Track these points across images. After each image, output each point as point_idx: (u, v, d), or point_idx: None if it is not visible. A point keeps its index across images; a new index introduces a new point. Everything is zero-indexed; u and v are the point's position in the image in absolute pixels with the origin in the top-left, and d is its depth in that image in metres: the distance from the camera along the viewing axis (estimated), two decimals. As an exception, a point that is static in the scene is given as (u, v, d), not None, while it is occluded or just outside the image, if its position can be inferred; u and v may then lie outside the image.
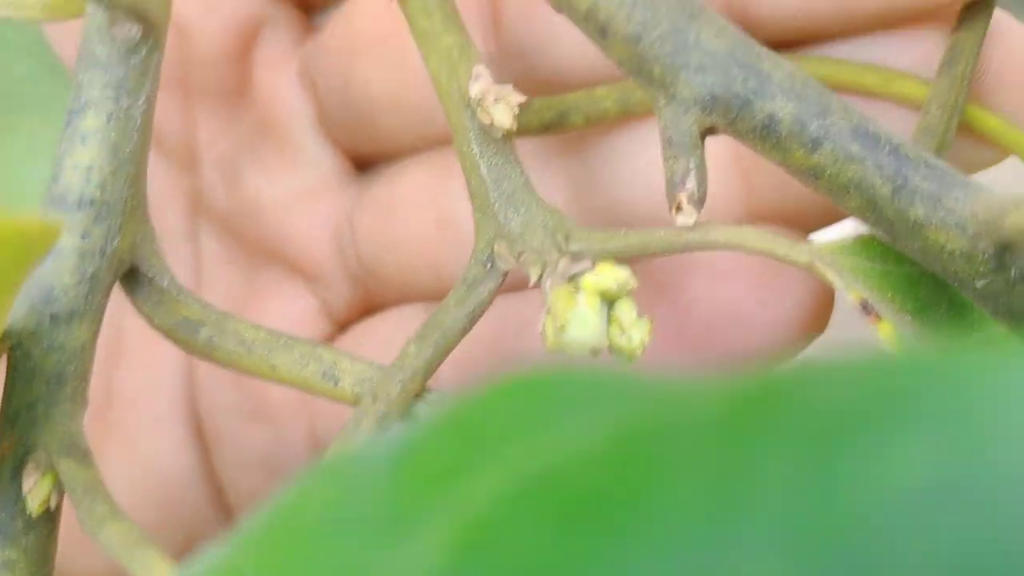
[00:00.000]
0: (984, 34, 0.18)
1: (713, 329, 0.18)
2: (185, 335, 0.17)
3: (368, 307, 0.23)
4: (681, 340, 0.18)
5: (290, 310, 0.23)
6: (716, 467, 0.07)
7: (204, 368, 0.23)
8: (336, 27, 0.22)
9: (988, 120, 0.19)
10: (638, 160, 0.20)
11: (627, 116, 0.20)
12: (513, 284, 0.18)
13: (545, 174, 0.20)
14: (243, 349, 0.17)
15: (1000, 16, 0.19)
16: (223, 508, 0.24)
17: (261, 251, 0.23)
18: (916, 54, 0.19)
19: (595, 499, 0.07)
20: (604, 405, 0.07)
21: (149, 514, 0.23)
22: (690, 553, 0.06)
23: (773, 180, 0.19)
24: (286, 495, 0.09)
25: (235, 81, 0.23)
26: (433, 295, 0.22)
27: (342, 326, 0.23)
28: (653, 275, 0.19)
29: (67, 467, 0.15)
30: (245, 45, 0.23)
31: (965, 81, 0.18)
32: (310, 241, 0.23)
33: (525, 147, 0.19)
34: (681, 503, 0.06)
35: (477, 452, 0.08)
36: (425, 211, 0.21)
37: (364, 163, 0.23)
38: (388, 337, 0.22)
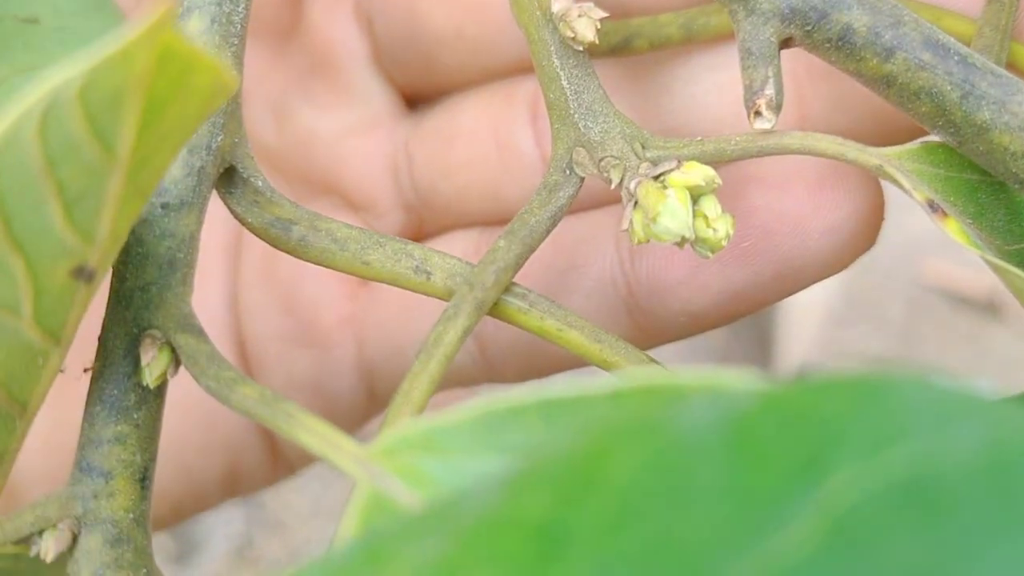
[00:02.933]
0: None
1: (772, 234, 0.19)
2: (278, 233, 0.18)
3: (419, 236, 0.24)
4: (743, 246, 0.19)
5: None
6: None
7: (249, 296, 0.24)
8: None
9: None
10: (699, 87, 0.21)
11: (689, 42, 0.20)
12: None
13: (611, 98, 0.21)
14: (336, 247, 0.17)
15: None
16: (264, 433, 0.24)
17: (310, 186, 0.24)
18: None
19: (969, 510, 0.07)
20: (965, 424, 0.08)
21: (194, 436, 0.23)
22: None
23: (827, 105, 0.20)
24: (573, 441, 0.08)
25: (287, 20, 0.24)
26: (490, 219, 0.22)
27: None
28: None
29: (185, 341, 0.15)
30: None
31: (1014, 6, 0.19)
32: (362, 173, 0.23)
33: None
34: None
35: (831, 448, 0.08)
36: (484, 138, 0.22)
37: (418, 98, 0.24)
38: None
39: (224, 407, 0.24)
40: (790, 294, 0.20)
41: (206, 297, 0.24)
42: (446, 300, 0.17)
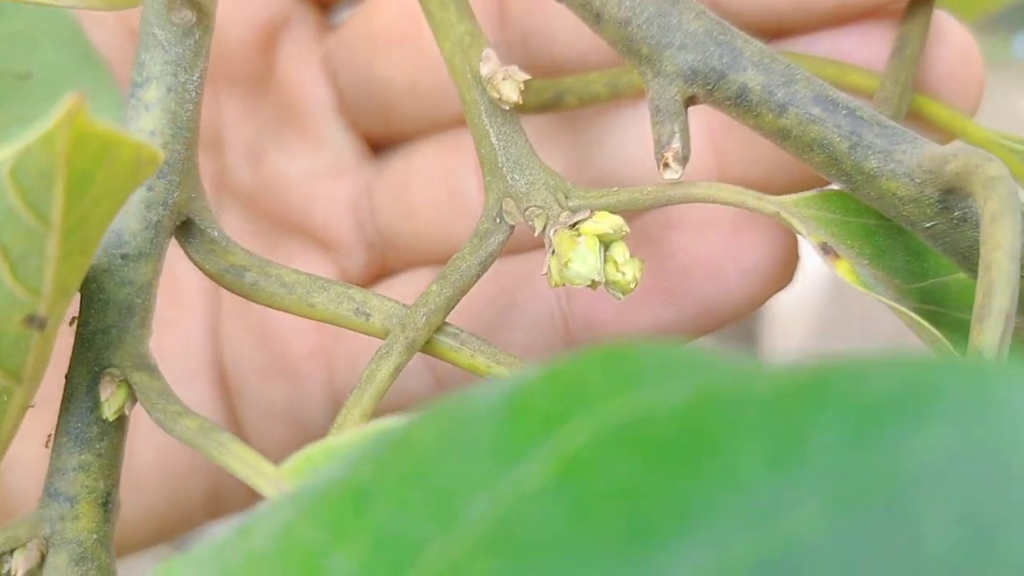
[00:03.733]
0: (929, 21, 0.21)
1: (691, 275, 0.21)
2: (232, 279, 0.19)
3: (381, 272, 0.25)
4: (662, 286, 0.21)
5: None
6: (775, 431, 0.09)
7: (228, 329, 0.26)
8: (357, 23, 0.25)
9: (935, 108, 0.22)
10: (625, 138, 0.22)
11: (616, 99, 0.22)
12: (510, 247, 0.20)
13: (543, 151, 0.22)
14: (284, 291, 0.19)
15: (940, 14, 0.22)
16: None
17: (282, 225, 0.26)
18: (867, 49, 0.22)
19: (677, 445, 0.09)
20: (683, 374, 0.09)
21: (180, 463, 0.25)
22: (754, 492, 0.08)
23: (743, 155, 0.22)
24: (402, 426, 0.10)
25: (260, 72, 0.26)
26: (442, 259, 0.24)
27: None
28: (640, 231, 0.22)
29: (139, 378, 0.17)
30: (270, 39, 0.25)
31: (914, 61, 0.21)
32: (329, 214, 0.25)
33: (526, 126, 0.21)
34: (749, 455, 0.09)
35: (577, 403, 0.09)
36: (437, 184, 0.24)
37: (380, 145, 0.26)
38: (401, 297, 0.24)
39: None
40: (713, 330, 0.22)
41: (190, 331, 0.26)
42: (384, 339, 0.19)
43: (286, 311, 0.19)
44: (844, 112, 0.18)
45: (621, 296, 0.19)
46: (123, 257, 0.18)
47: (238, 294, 0.19)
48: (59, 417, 0.18)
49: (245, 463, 0.15)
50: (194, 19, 0.19)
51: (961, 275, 0.19)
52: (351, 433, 0.14)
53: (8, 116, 0.23)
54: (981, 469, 0.08)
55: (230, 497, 0.26)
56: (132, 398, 0.17)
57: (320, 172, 0.26)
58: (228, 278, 0.19)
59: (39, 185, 0.12)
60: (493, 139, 0.20)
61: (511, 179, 0.20)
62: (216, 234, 0.20)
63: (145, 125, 0.19)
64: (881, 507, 0.08)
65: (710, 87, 0.19)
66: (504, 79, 0.19)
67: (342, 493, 0.11)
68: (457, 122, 0.24)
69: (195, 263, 0.20)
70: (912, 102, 0.21)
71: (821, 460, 0.08)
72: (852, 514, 0.08)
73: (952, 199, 0.18)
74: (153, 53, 0.19)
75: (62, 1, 0.20)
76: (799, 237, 0.21)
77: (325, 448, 0.14)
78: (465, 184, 0.24)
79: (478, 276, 0.20)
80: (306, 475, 0.14)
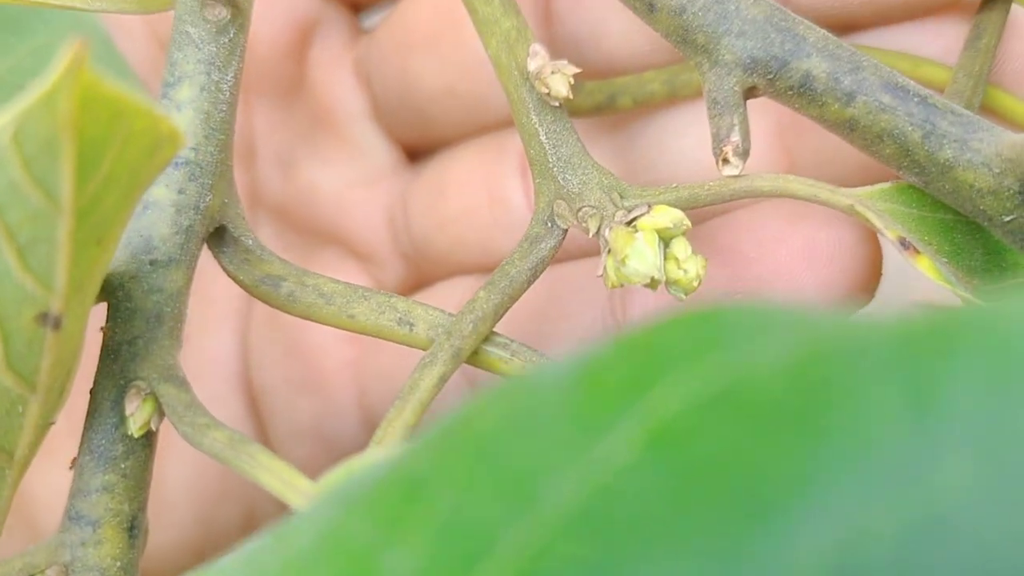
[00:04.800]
0: (1007, 13, 0.20)
1: (765, 287, 0.19)
2: (267, 290, 0.18)
3: (417, 284, 0.24)
4: (737, 295, 0.20)
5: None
6: (907, 381, 0.07)
7: (257, 347, 0.24)
8: (391, 26, 0.24)
9: (1011, 102, 0.21)
10: (684, 140, 0.21)
11: (673, 98, 0.21)
12: (559, 256, 0.19)
13: (597, 154, 0.21)
14: (323, 301, 0.18)
15: (1018, 8, 0.21)
16: None
17: (316, 236, 0.25)
18: (940, 43, 0.21)
19: (785, 405, 0.08)
20: (780, 332, 0.08)
21: (211, 486, 0.24)
22: (888, 450, 0.07)
23: (815, 157, 0.21)
24: (459, 412, 0.09)
25: (291, 79, 0.25)
26: (481, 269, 0.23)
27: None
28: (711, 239, 0.20)
29: (167, 391, 0.16)
30: (301, 45, 0.24)
31: (989, 53, 0.20)
32: (364, 224, 0.24)
33: (578, 128, 0.20)
34: (877, 408, 0.07)
35: (660, 369, 0.08)
36: (476, 190, 0.23)
37: (415, 152, 0.25)
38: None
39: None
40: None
41: (219, 349, 0.24)
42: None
43: (324, 323, 0.18)
44: (916, 100, 0.17)
45: (683, 296, 0.17)
46: (152, 263, 0.17)
47: (273, 306, 0.18)
48: (83, 434, 0.17)
49: (278, 477, 0.14)
50: (228, 16, 0.18)
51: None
52: (394, 446, 0.12)
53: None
54: None
55: (268, 523, 0.25)
56: (160, 413, 0.16)
57: (354, 181, 0.25)
58: (263, 289, 0.18)
59: (44, 155, 0.11)
60: (543, 138, 0.19)
61: (562, 179, 0.19)
62: (251, 243, 0.18)
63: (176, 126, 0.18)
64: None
65: (771, 76, 0.18)
66: (553, 73, 0.18)
67: (395, 484, 0.09)
68: (497, 126, 0.23)
69: (228, 273, 0.19)
70: (986, 96, 0.20)
71: (965, 410, 0.07)
72: (1008, 466, 0.07)
73: (1038, 189, 0.16)
74: (186, 52, 0.18)
75: (91, 5, 0.19)
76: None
77: (367, 461, 0.12)
78: (508, 190, 0.22)
79: (529, 283, 0.18)
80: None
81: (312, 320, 0.18)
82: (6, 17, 0.22)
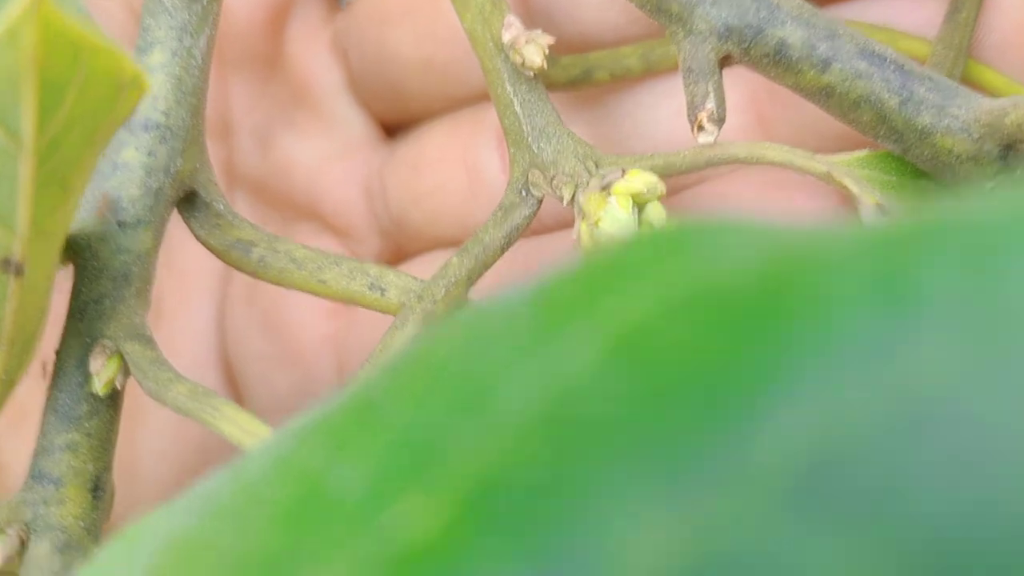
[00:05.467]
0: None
1: None
2: (239, 255, 0.18)
3: (395, 258, 0.24)
4: None
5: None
6: (877, 272, 0.07)
7: (234, 319, 0.24)
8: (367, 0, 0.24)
9: (990, 75, 0.21)
10: (659, 112, 0.21)
11: (649, 72, 0.21)
12: (536, 228, 0.19)
13: (572, 126, 0.21)
14: (294, 266, 0.18)
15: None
16: None
17: (292, 210, 0.25)
18: (919, 15, 0.21)
19: (756, 307, 0.07)
20: (749, 241, 0.08)
21: (187, 457, 0.24)
22: (862, 338, 0.07)
23: (790, 128, 0.20)
24: (419, 339, 0.09)
25: (268, 54, 0.25)
26: (458, 243, 0.23)
27: None
28: (687, 208, 0.20)
29: (133, 349, 0.16)
30: (277, 20, 0.24)
31: (969, 26, 0.19)
32: (341, 199, 0.24)
33: (555, 103, 0.20)
34: (850, 302, 0.07)
35: (624, 279, 0.08)
36: (453, 164, 0.23)
37: (392, 126, 0.25)
38: None
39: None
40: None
41: (195, 321, 0.24)
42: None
43: (296, 288, 0.18)
44: (892, 67, 0.17)
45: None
46: (120, 224, 0.17)
47: (245, 271, 0.18)
48: (48, 393, 0.17)
49: (239, 427, 0.14)
50: (201, -20, 0.18)
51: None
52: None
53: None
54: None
55: None
56: (125, 372, 0.16)
57: (331, 155, 0.24)
58: (234, 254, 0.18)
59: (7, 92, 0.11)
60: (517, 108, 0.19)
61: (537, 148, 0.18)
62: (221, 207, 0.18)
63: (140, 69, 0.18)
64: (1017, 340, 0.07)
65: (746, 44, 0.17)
66: (527, 43, 0.18)
67: (348, 410, 0.09)
68: (474, 100, 0.23)
69: (198, 238, 0.18)
70: (966, 69, 0.20)
71: (942, 297, 0.07)
72: (997, 342, 0.06)
73: (1013, 155, 0.16)
74: (158, 18, 0.18)
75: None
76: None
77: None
78: (484, 162, 0.22)
79: (502, 251, 0.18)
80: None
81: (283, 285, 0.18)
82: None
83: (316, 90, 0.24)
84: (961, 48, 0.20)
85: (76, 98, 0.12)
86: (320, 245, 0.24)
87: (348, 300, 0.18)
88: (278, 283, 0.18)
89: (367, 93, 0.24)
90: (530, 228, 0.19)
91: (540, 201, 0.19)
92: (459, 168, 0.23)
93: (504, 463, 0.08)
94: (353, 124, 0.24)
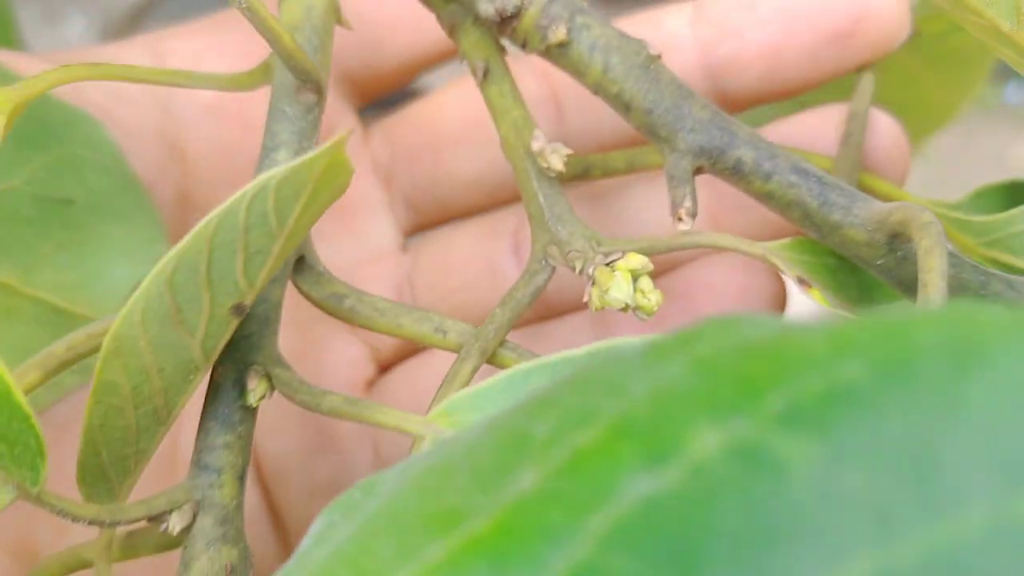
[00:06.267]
0: (867, 119, 0.27)
1: (696, 302, 0.26)
2: (334, 304, 0.24)
3: (411, 351, 0.30)
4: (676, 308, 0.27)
5: (340, 358, 0.29)
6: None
7: (264, 418, 0.29)
8: (416, 126, 0.30)
9: (878, 183, 0.28)
10: (639, 205, 0.28)
11: (632, 172, 0.28)
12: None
13: (580, 214, 0.28)
14: (376, 314, 0.24)
15: (875, 112, 0.28)
16: (284, 536, 0.29)
17: (316, 309, 0.30)
18: (823, 135, 0.28)
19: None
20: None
21: None
22: None
23: (734, 221, 0.28)
24: (548, 386, 0.15)
25: None
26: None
27: (385, 368, 0.30)
28: (673, 284, 0.27)
29: (279, 372, 0.22)
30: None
31: (859, 145, 0.27)
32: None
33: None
34: None
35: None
36: (479, 266, 0.29)
37: (417, 230, 0.31)
38: (437, 375, 0.25)
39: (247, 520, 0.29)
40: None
41: None
42: (457, 352, 0.24)
43: (378, 331, 0.24)
44: (814, 179, 0.24)
45: (647, 318, 0.24)
46: (260, 280, 0.23)
47: (337, 316, 0.24)
48: (205, 407, 0.22)
49: (393, 417, 0.20)
50: (315, 100, 0.24)
51: (902, 302, 0.25)
52: (489, 382, 0.18)
53: (52, 242, 0.25)
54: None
55: (262, 560, 0.29)
56: (270, 389, 0.22)
57: (361, 259, 0.30)
58: (330, 304, 0.24)
59: (290, 196, 0.17)
60: (541, 199, 0.25)
61: (555, 230, 0.25)
62: (321, 269, 0.24)
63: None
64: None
65: (713, 160, 0.24)
66: (552, 152, 0.25)
67: (536, 400, 0.15)
68: (494, 206, 0.29)
69: (301, 291, 0.24)
70: (860, 178, 0.27)
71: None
72: None
73: (896, 242, 0.23)
74: (282, 124, 0.24)
75: (192, 82, 0.25)
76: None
77: (467, 394, 0.18)
78: (505, 265, 0.29)
79: (529, 304, 0.25)
80: (453, 417, 0.18)
81: (370, 328, 0.24)
82: (26, 132, 0.24)
83: (356, 208, 0.30)
84: (855, 162, 0.27)
85: (320, 200, 0.18)
86: (340, 339, 0.29)
87: (419, 340, 0.24)
88: (366, 326, 0.24)
89: (411, 209, 0.30)
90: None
91: (554, 269, 0.25)
92: (484, 269, 0.28)
93: (633, 413, 0.14)
94: (385, 235, 0.30)
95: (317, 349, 0.30)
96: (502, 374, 0.19)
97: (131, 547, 0.22)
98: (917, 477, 0.11)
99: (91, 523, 0.19)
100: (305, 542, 0.15)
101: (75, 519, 0.19)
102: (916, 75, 0.39)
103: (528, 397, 0.15)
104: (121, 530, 0.22)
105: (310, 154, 0.17)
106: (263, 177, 0.17)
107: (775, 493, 0.11)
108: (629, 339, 0.15)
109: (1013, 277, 0.24)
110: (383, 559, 0.12)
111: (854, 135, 0.27)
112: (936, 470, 0.11)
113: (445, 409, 0.19)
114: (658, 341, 0.14)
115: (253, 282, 0.18)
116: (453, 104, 0.29)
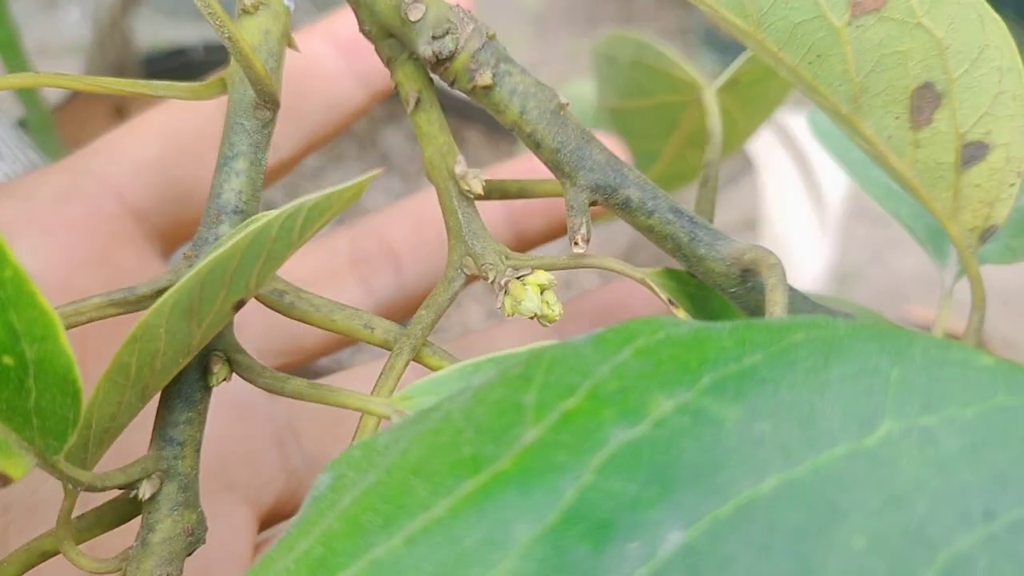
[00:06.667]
0: (719, 154, 0.33)
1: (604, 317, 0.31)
2: (275, 299, 0.27)
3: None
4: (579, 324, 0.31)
5: (226, 527, 0.34)
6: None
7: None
8: None
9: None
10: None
11: (523, 197, 0.32)
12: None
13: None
14: (312, 309, 0.27)
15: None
16: None
17: (214, 482, 0.34)
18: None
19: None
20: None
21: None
22: None
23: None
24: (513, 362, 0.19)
25: None
26: None
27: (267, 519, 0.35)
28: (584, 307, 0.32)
29: (240, 358, 0.25)
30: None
31: (715, 189, 0.32)
32: (250, 457, 0.34)
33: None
34: None
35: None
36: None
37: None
38: None
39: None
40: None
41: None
42: (385, 347, 0.27)
43: (314, 324, 0.28)
44: (687, 218, 0.29)
45: (548, 325, 0.28)
46: (220, 277, 0.26)
47: (277, 311, 0.27)
48: (168, 386, 0.25)
49: (357, 399, 0.23)
50: (271, 117, 0.27)
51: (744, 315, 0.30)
52: (446, 371, 0.22)
53: None
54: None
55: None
56: (230, 372, 0.25)
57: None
58: (272, 298, 0.27)
59: (315, 216, 0.21)
60: (460, 216, 0.29)
61: (470, 243, 0.29)
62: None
63: (234, 186, 0.27)
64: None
65: (606, 196, 0.29)
66: (473, 177, 0.29)
67: (518, 374, 0.19)
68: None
69: (249, 286, 0.27)
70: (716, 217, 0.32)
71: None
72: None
73: (748, 275, 0.29)
74: (240, 136, 0.27)
75: (152, 91, 0.27)
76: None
77: (428, 381, 0.22)
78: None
79: (447, 306, 0.29)
80: (414, 400, 0.22)
81: (306, 322, 0.27)
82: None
83: None
84: (712, 202, 0.32)
85: (333, 214, 0.21)
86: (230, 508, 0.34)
87: (350, 335, 0.28)
88: (302, 320, 0.27)
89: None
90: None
91: (467, 277, 0.29)
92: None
93: (604, 386, 0.18)
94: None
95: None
96: (456, 366, 0.23)
97: (90, 526, 0.24)
98: (803, 426, 0.16)
99: (87, 489, 0.22)
100: (318, 488, 0.18)
101: (75, 485, 0.21)
102: (728, 110, 0.46)
103: (493, 379, 0.19)
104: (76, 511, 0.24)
105: (344, 185, 0.20)
106: (299, 200, 0.20)
107: (715, 437, 0.16)
108: (555, 341, 0.19)
109: (835, 308, 0.30)
110: (420, 496, 0.16)
111: (710, 180, 0.33)
112: (815, 421, 0.16)
113: (407, 393, 0.23)
114: (603, 335, 0.19)
115: (260, 282, 0.22)
116: None
